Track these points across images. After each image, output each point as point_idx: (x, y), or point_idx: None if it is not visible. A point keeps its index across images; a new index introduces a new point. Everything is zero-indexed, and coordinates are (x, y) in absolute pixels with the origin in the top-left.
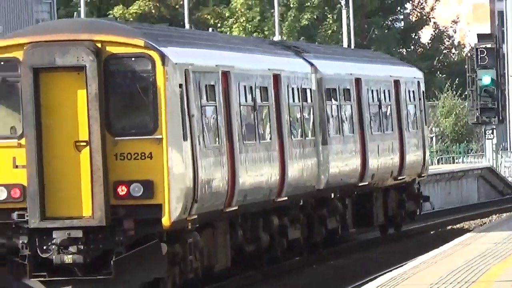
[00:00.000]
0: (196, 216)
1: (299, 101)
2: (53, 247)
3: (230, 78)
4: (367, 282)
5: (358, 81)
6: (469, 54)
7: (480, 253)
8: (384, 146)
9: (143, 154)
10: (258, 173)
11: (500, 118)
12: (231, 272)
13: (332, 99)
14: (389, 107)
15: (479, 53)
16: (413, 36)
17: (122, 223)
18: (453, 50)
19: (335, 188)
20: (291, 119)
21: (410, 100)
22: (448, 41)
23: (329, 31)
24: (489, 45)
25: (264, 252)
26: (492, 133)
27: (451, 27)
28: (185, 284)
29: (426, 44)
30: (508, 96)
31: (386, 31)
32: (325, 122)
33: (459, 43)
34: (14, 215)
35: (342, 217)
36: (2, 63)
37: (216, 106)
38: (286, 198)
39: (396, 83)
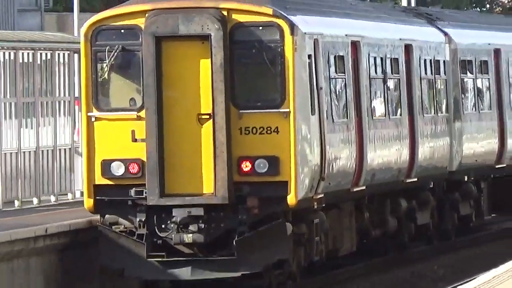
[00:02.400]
0: (322, 195)
1: (432, 74)
2: (173, 225)
3: (360, 49)
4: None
5: (497, 52)
6: None
7: None
8: None
9: (269, 129)
10: (387, 152)
11: None
12: (355, 258)
13: (468, 72)
14: None
15: None
16: None
17: (246, 201)
18: None
19: (469, 170)
20: (423, 93)
21: None
22: None
23: None
24: None
25: (391, 237)
26: None
27: None
28: (310, 267)
29: (507, 1)
30: None
31: None
32: (459, 97)
33: None
34: (132, 192)
35: (476, 203)
36: (122, 30)
37: (345, 78)
38: (416, 179)
39: None
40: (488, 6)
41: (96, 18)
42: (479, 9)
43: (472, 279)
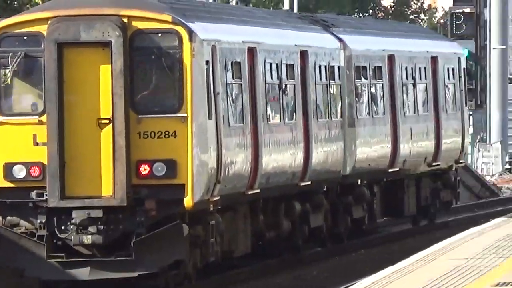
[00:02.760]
0: (218, 198)
1: (327, 80)
2: (72, 227)
3: (256, 55)
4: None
5: (391, 57)
6: (442, 21)
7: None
8: (418, 129)
9: (167, 133)
10: (281, 156)
11: (479, 102)
12: (249, 259)
13: (362, 78)
14: (425, 86)
15: (454, 20)
16: None
17: (144, 204)
18: (422, 16)
19: (363, 174)
20: (317, 98)
21: (449, 79)
22: (416, 4)
23: None
24: (467, 10)
25: (285, 239)
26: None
27: None
28: (206, 268)
29: (388, 7)
30: (489, 74)
31: None
32: (353, 102)
33: (430, 6)
34: (33, 194)
35: (369, 206)
36: (25, 37)
37: (241, 84)
38: (309, 182)
39: (434, 59)
40: (371, 11)
41: (0, 25)
42: (361, 14)
43: (355, 283)
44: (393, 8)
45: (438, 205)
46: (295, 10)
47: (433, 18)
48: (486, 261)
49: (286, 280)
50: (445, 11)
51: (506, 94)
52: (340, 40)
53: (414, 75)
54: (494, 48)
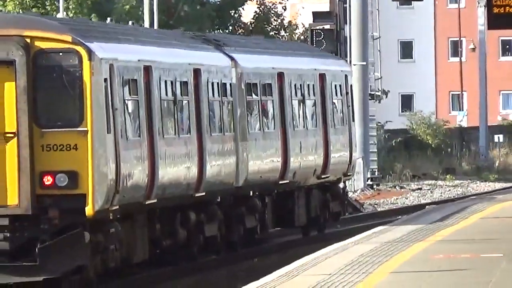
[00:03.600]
0: (117, 207)
1: (219, 96)
2: None
3: (152, 73)
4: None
5: (280, 75)
6: (302, 37)
7: None
8: (307, 143)
9: (68, 146)
10: (177, 168)
11: None
12: (148, 265)
13: (253, 94)
14: (313, 102)
15: (314, 36)
16: (232, 14)
17: (48, 212)
18: (282, 32)
19: (254, 186)
20: (210, 114)
21: (336, 95)
22: (276, 21)
23: (127, 7)
24: (327, 26)
25: (181, 247)
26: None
27: (280, 3)
28: (106, 273)
29: (249, 23)
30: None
31: (198, 7)
32: (245, 118)
33: (290, 23)
34: None
35: (261, 216)
36: None
37: (138, 100)
38: (204, 193)
39: (322, 76)
40: (231, 27)
41: None
42: (221, 31)
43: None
44: (253, 25)
45: (327, 216)
46: (155, 27)
47: (294, 35)
48: (349, 277)
49: (184, 286)
50: (305, 28)
51: (367, 110)
52: (232, 58)
53: (303, 91)
54: (354, 65)
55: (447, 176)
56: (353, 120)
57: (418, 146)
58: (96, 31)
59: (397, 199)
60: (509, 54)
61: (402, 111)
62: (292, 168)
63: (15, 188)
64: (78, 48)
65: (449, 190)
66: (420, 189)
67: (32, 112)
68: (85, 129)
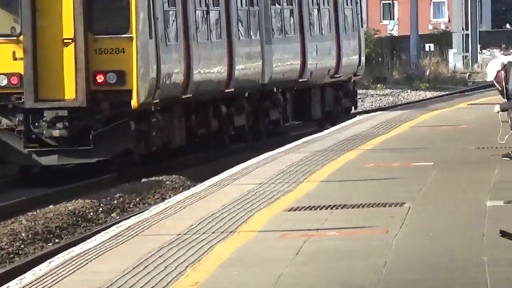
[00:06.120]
0: (158, 100)
1: (247, 6)
2: (44, 123)
3: None
4: None
5: None
6: None
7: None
8: (322, 47)
9: (117, 49)
10: (209, 68)
11: None
12: (185, 151)
13: (276, 3)
14: (328, 11)
15: None
16: None
17: (99, 105)
18: None
19: (278, 83)
20: (239, 21)
21: (347, 4)
22: None
23: None
24: None
25: (214, 136)
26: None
27: None
28: (149, 155)
29: None
30: None
31: None
32: (269, 24)
33: None
34: (13, 98)
35: (283, 110)
36: None
37: (176, 11)
38: (233, 89)
39: None
40: None
41: None
42: None
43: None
44: None
45: (340, 110)
46: None
47: None
48: (279, 186)
49: (216, 167)
50: None
51: None
52: None
53: (318, 1)
54: None
55: (378, 85)
56: (362, 27)
57: None
58: None
59: None
60: None
61: None
62: (309, 69)
63: (73, 85)
64: None
65: (380, 99)
66: None
67: (87, 22)
68: (131, 35)
